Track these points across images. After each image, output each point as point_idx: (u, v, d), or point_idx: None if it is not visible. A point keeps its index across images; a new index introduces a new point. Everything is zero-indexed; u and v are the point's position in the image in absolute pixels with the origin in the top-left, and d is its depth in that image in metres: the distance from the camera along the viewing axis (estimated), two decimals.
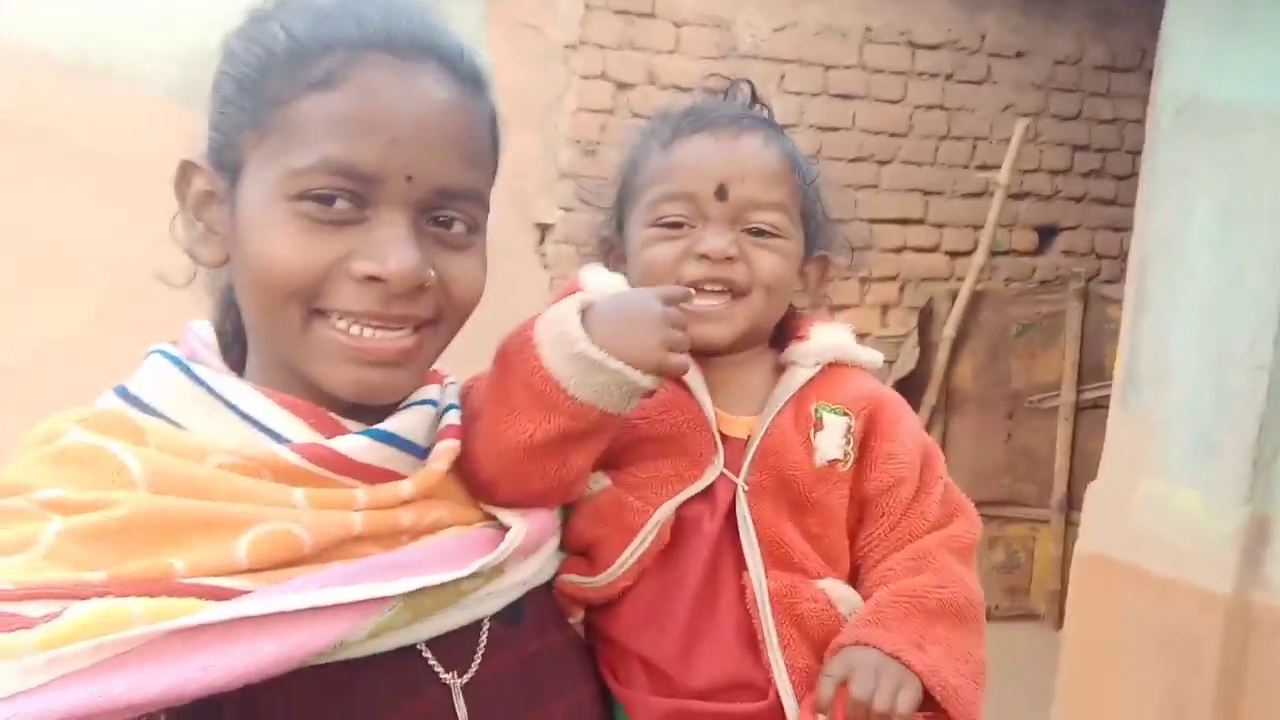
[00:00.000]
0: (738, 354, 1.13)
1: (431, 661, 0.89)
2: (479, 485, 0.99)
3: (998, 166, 4.49)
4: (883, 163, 4.59)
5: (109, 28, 3.13)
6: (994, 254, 4.67)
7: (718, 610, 1.05)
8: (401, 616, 0.83)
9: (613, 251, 1.19)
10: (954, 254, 4.79)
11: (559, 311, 0.96)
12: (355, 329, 0.87)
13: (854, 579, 1.11)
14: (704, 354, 1.08)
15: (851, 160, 4.47)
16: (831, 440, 1.09)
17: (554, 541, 1.05)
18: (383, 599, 0.81)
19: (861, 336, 1.17)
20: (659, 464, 1.08)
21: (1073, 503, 4.29)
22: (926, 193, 4.73)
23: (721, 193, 1.09)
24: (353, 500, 0.86)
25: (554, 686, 1.00)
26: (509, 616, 0.96)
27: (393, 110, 0.86)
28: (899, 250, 4.65)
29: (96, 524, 0.75)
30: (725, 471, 1.07)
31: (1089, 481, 2.88)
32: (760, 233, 1.10)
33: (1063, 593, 3.45)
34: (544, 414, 0.94)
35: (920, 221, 4.72)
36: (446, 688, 0.89)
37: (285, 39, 0.87)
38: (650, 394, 0.97)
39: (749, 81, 1.23)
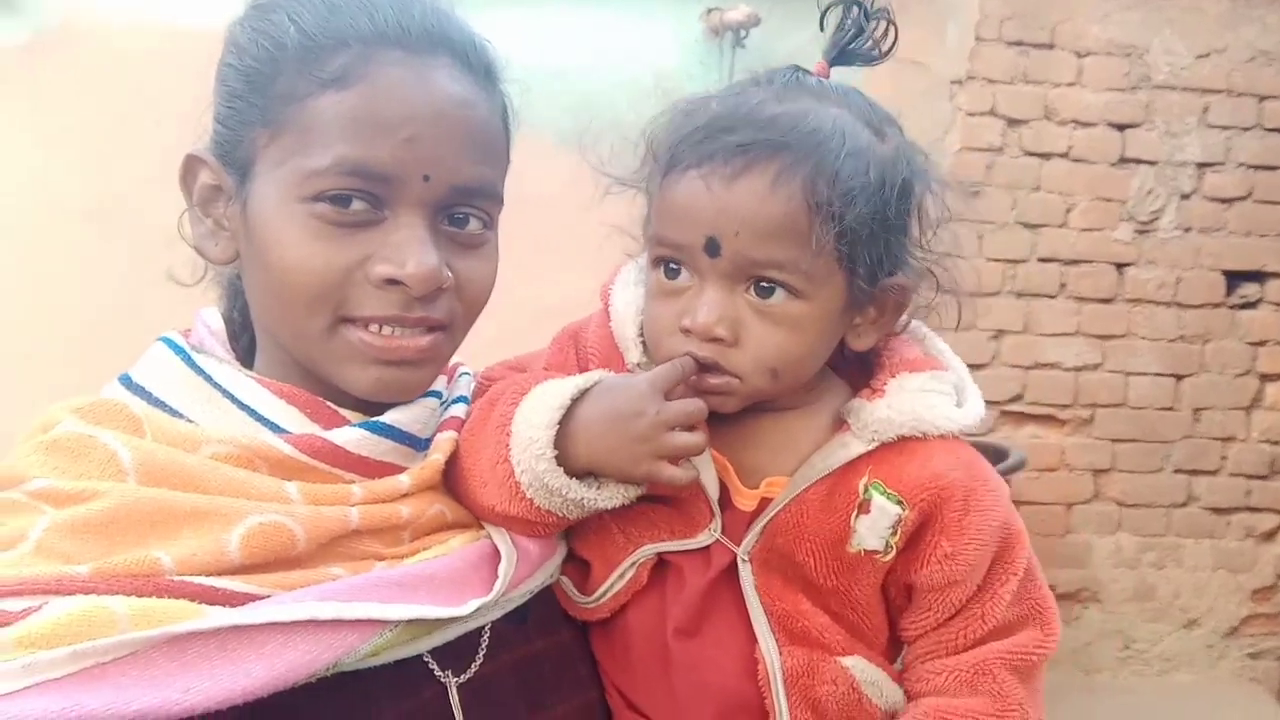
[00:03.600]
0: (785, 402, 0.96)
1: (428, 660, 0.86)
2: (458, 500, 0.95)
3: None
4: None
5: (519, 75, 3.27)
6: None
7: (724, 683, 0.94)
8: (399, 638, 0.81)
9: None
10: None
11: (541, 410, 0.89)
12: (376, 328, 0.86)
13: (895, 646, 0.98)
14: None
15: None
16: (875, 530, 0.91)
17: (560, 552, 1.00)
18: (381, 621, 0.78)
19: None
20: (655, 506, 0.96)
21: None
22: None
23: (712, 248, 0.88)
24: (348, 495, 0.85)
25: (558, 687, 0.97)
26: (513, 615, 0.93)
27: (409, 109, 0.84)
28: None
29: (83, 517, 0.74)
30: (723, 539, 0.95)
31: None
32: (768, 291, 0.89)
33: None
34: (506, 499, 0.90)
35: None
36: (443, 686, 0.87)
37: (295, 33, 0.84)
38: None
39: (871, 14, 0.96)
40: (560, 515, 0.91)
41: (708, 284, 0.90)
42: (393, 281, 0.84)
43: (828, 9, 0.98)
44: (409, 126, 0.83)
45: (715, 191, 0.87)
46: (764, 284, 0.89)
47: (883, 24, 0.98)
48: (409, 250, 0.84)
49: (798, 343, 0.91)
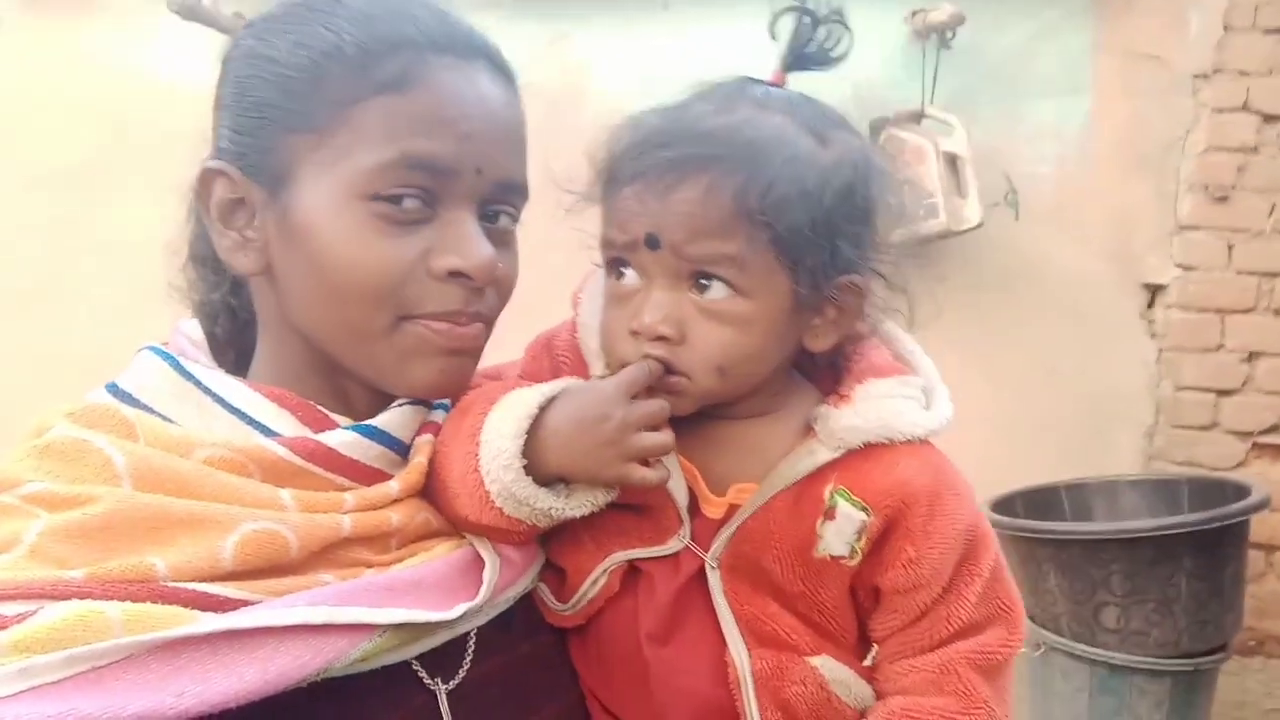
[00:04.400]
0: (750, 408, 0.97)
1: (417, 668, 0.86)
2: (441, 513, 0.95)
3: None
4: None
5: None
6: None
7: (696, 688, 0.95)
8: (389, 642, 0.81)
9: None
10: None
11: (509, 419, 0.91)
12: (441, 325, 0.89)
13: (864, 644, 0.99)
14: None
15: None
16: (840, 536, 0.92)
17: (541, 558, 1.01)
18: (371, 626, 0.79)
19: None
20: (625, 514, 0.96)
21: None
22: None
23: (652, 241, 0.90)
24: (341, 502, 0.86)
25: (544, 689, 0.98)
26: (498, 620, 0.94)
27: (465, 108, 0.88)
28: None
29: (77, 521, 0.74)
30: (691, 546, 0.95)
31: None
32: (708, 286, 0.90)
33: None
34: (475, 509, 0.91)
35: None
36: (432, 694, 0.87)
37: (345, 41, 0.87)
38: None
39: (822, 18, 0.96)
40: (530, 524, 0.91)
41: (654, 284, 0.91)
42: (455, 274, 0.87)
43: (777, 17, 0.98)
44: (465, 123, 0.87)
45: (649, 205, 0.89)
46: (703, 279, 0.90)
47: (835, 28, 0.99)
48: (467, 242, 0.88)
49: (743, 342, 0.91)
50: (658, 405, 0.90)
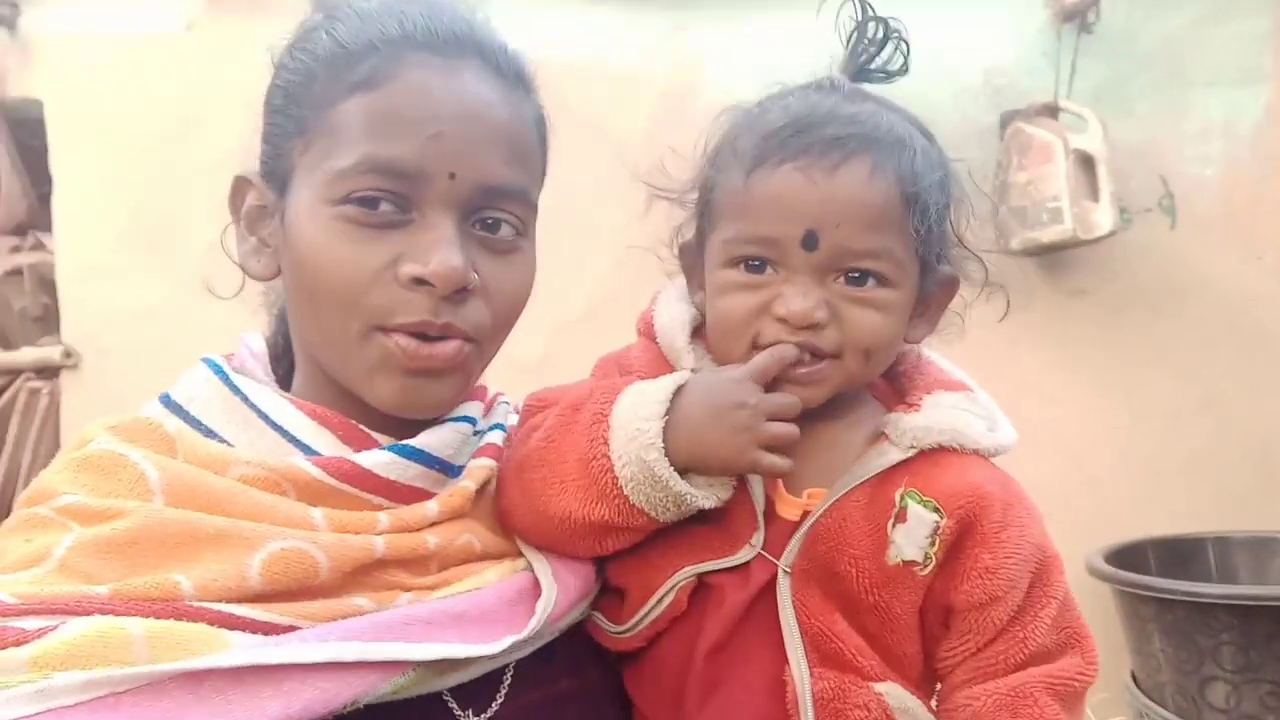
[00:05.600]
0: (826, 411, 0.96)
1: (447, 698, 0.83)
2: (508, 525, 0.95)
3: None
4: None
5: None
6: None
7: (750, 703, 0.92)
8: (423, 675, 0.78)
9: (695, 272, 1.03)
10: None
11: (645, 403, 0.91)
12: (406, 342, 0.85)
13: (929, 680, 0.95)
14: None
15: None
16: (912, 538, 0.90)
17: (595, 589, 0.98)
18: (405, 662, 0.76)
19: None
20: (696, 527, 0.95)
21: None
22: None
23: (810, 241, 0.90)
24: (374, 523, 0.84)
25: None
26: (540, 653, 0.90)
27: (435, 106, 0.84)
28: None
29: (106, 536, 0.74)
30: (764, 553, 0.94)
31: None
32: (860, 280, 0.92)
33: None
34: (591, 499, 0.90)
35: None
36: None
37: (329, 43, 0.86)
38: None
39: (889, 30, 0.97)
40: (651, 516, 0.90)
41: (798, 275, 0.92)
42: (419, 281, 0.84)
43: (851, 35, 0.99)
44: (434, 124, 0.83)
45: (817, 183, 0.89)
46: (854, 274, 0.92)
47: (898, 41, 1.00)
48: (434, 249, 0.84)
49: (889, 326, 0.93)
50: (790, 398, 0.91)
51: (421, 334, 0.86)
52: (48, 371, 3.17)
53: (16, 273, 3.24)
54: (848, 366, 0.93)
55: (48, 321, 3.25)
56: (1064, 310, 2.94)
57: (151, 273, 3.06)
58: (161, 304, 2.99)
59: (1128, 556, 2.61)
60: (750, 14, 3.17)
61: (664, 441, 0.89)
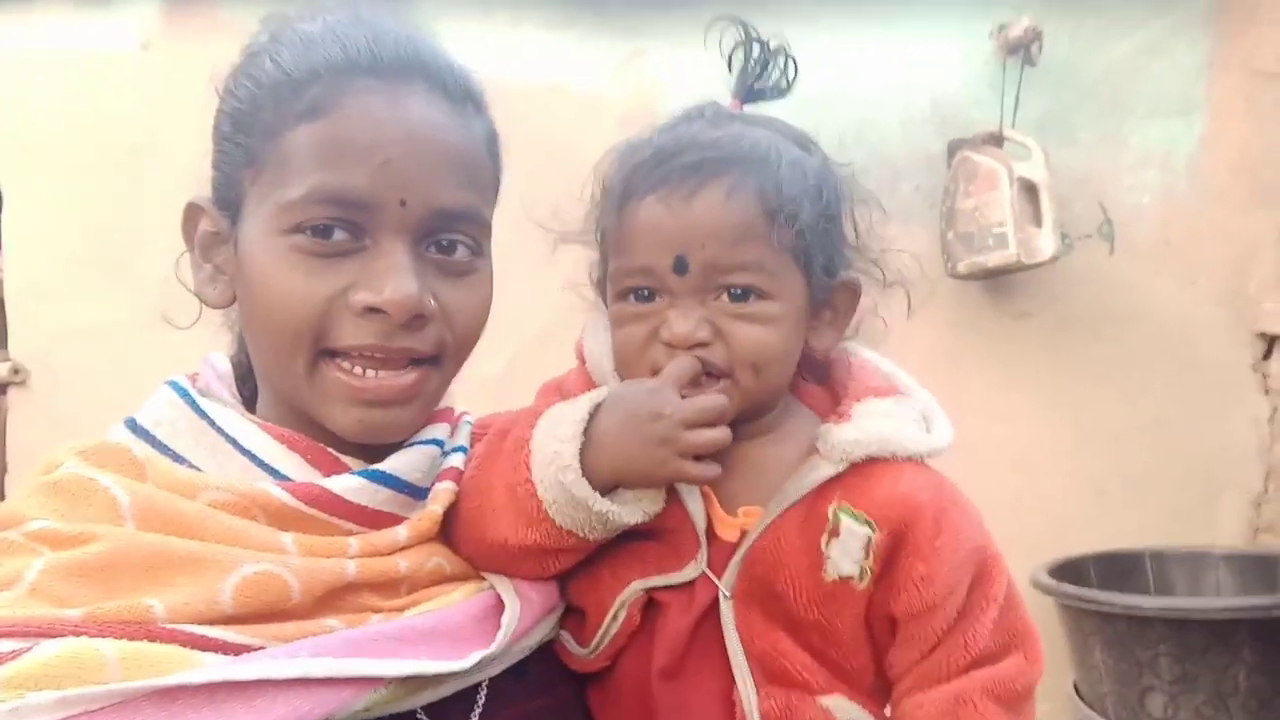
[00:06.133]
0: (757, 428, 0.98)
1: (422, 716, 0.83)
2: (458, 552, 0.94)
3: None
4: None
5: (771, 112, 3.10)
6: None
7: None
8: (395, 693, 0.78)
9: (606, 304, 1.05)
10: None
11: (561, 424, 0.90)
12: (359, 370, 0.86)
13: (883, 690, 0.96)
14: None
15: None
16: (846, 553, 0.91)
17: (561, 605, 0.99)
18: (378, 678, 0.76)
19: None
20: (642, 543, 0.96)
21: None
22: None
23: (680, 265, 0.92)
24: (345, 547, 0.84)
25: None
26: (512, 671, 0.91)
27: (381, 133, 0.83)
28: None
29: (78, 560, 0.74)
30: (707, 572, 0.94)
31: None
32: (742, 297, 0.94)
33: None
34: (521, 525, 0.90)
35: None
36: None
37: (274, 70, 0.85)
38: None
39: (770, 52, 1.01)
40: (580, 536, 0.90)
41: (680, 299, 0.94)
42: (373, 310, 0.83)
43: (732, 51, 1.02)
44: (381, 151, 0.83)
45: (676, 210, 0.92)
46: (735, 290, 0.93)
47: (783, 59, 1.02)
48: (387, 277, 0.83)
49: (774, 338, 0.94)
50: (713, 400, 0.90)
51: (372, 356, 0.86)
52: None
53: None
54: (741, 383, 0.94)
55: None
56: (1009, 332, 3.01)
57: (102, 291, 3.03)
58: (112, 323, 2.97)
59: (1070, 571, 2.68)
60: (713, 39, 3.22)
61: (582, 461, 0.89)
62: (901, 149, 3.04)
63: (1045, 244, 2.75)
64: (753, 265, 0.92)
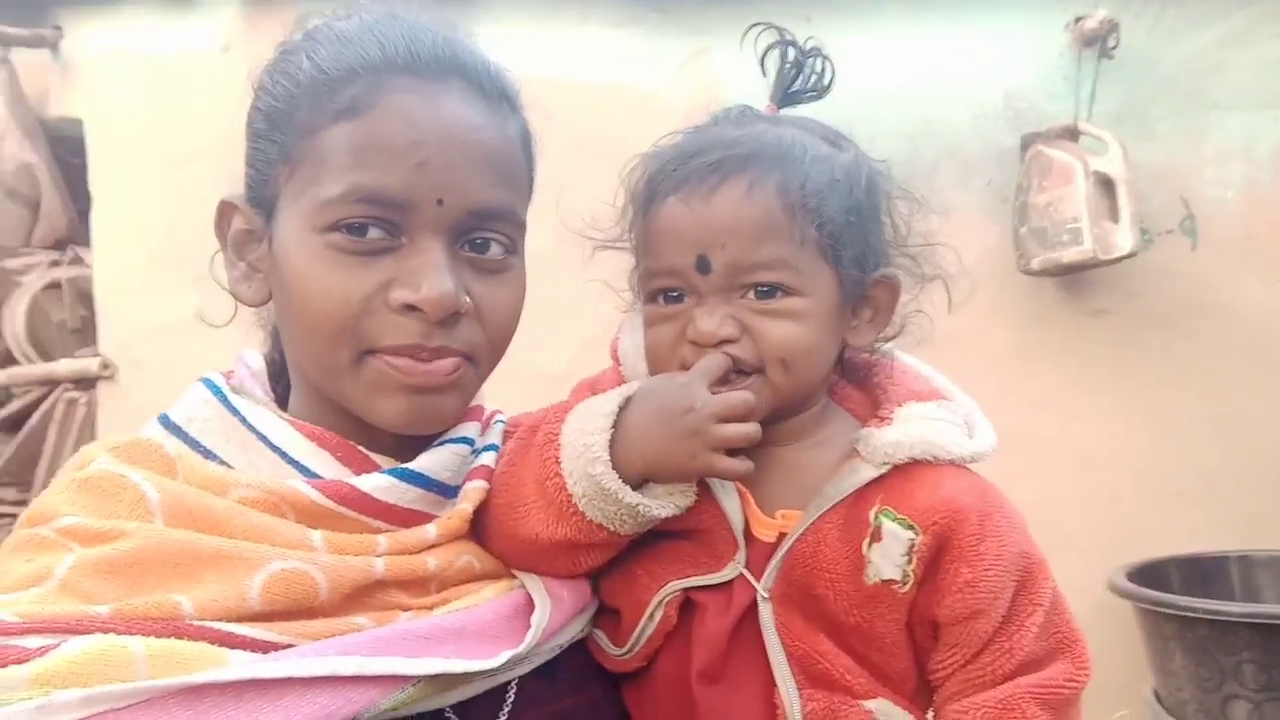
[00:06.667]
0: (796, 429, 0.98)
1: (450, 715, 0.83)
2: (489, 550, 0.94)
3: None
4: None
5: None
6: None
7: None
8: (423, 692, 0.78)
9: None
10: None
11: (591, 417, 0.90)
12: (401, 361, 0.85)
13: (925, 694, 0.94)
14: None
15: None
16: (888, 557, 0.89)
17: (593, 604, 0.98)
18: (405, 677, 0.75)
19: None
20: (679, 543, 0.96)
21: None
22: None
23: (703, 265, 0.93)
24: (374, 545, 0.84)
25: None
26: (541, 670, 0.90)
27: (420, 133, 0.83)
28: None
29: (107, 556, 0.74)
30: (745, 573, 0.94)
31: None
32: (769, 293, 0.93)
33: None
34: (552, 519, 0.90)
35: None
36: None
37: (310, 68, 0.85)
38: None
39: (804, 54, 1.01)
40: (611, 530, 0.89)
41: (706, 298, 0.94)
42: (410, 307, 0.84)
43: (766, 52, 1.02)
44: (419, 151, 0.83)
45: (695, 209, 0.92)
46: (761, 288, 0.93)
47: (819, 61, 1.02)
48: (424, 275, 0.83)
49: (803, 334, 0.93)
50: (740, 396, 0.90)
51: (413, 356, 0.86)
52: (85, 382, 3.24)
53: (55, 286, 3.31)
54: (772, 379, 0.93)
55: (85, 334, 3.32)
56: (1084, 329, 2.95)
57: (185, 287, 3.11)
58: (197, 318, 3.04)
59: (1150, 575, 2.62)
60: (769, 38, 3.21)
61: (612, 454, 0.89)
62: (973, 144, 2.99)
63: (1122, 239, 2.69)
64: (776, 262, 0.92)
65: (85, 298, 3.29)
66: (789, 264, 0.92)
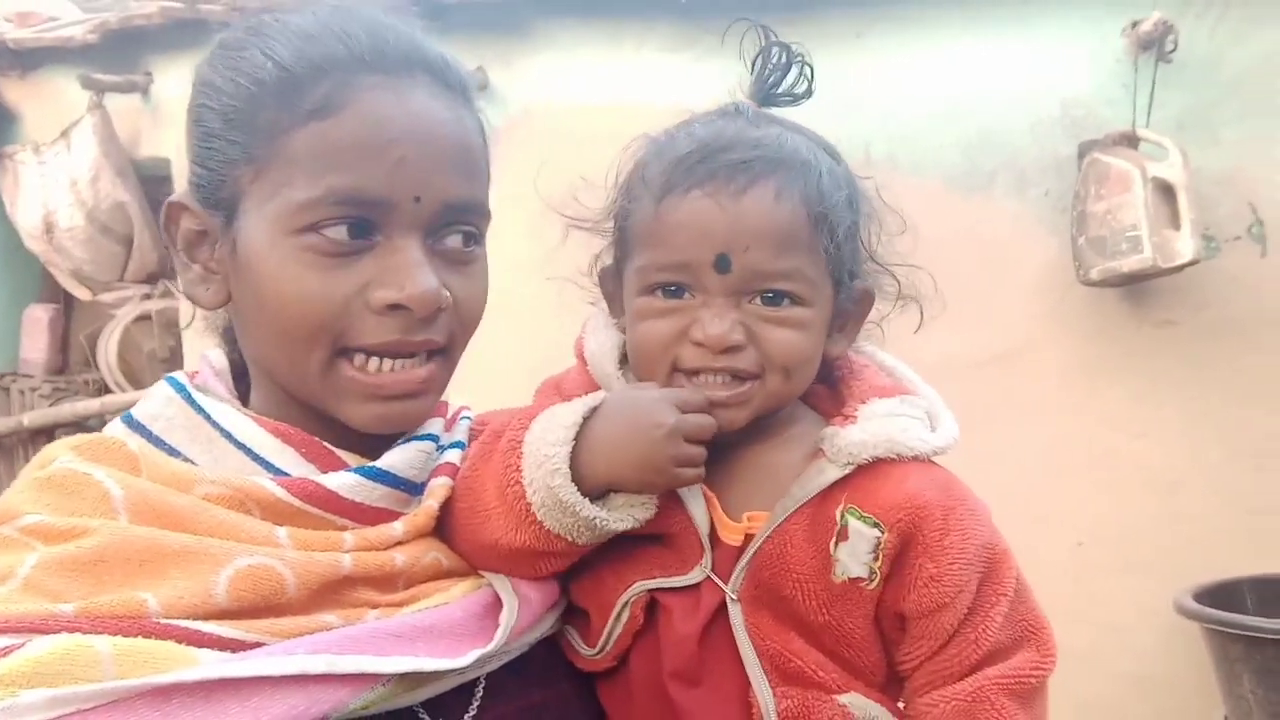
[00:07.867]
0: (764, 428, 0.98)
1: (418, 709, 0.82)
2: (454, 550, 0.94)
3: None
4: None
5: (896, 122, 3.07)
6: None
7: None
8: (393, 690, 0.77)
9: (615, 299, 1.04)
10: None
11: (554, 428, 0.90)
12: (374, 364, 0.86)
13: (896, 682, 0.95)
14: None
15: None
16: (855, 555, 0.90)
17: (562, 602, 0.99)
18: (375, 675, 0.75)
19: None
20: (646, 546, 0.96)
21: None
22: None
23: (723, 264, 0.91)
24: (340, 542, 0.83)
25: None
26: (511, 665, 0.90)
27: (395, 131, 0.83)
28: None
29: (71, 554, 0.73)
30: (712, 576, 0.94)
31: None
32: (775, 300, 0.93)
33: None
34: (512, 527, 0.89)
35: None
36: None
37: (272, 67, 0.83)
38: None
39: (792, 56, 0.98)
40: (569, 540, 0.90)
41: (714, 298, 0.93)
42: (395, 306, 0.84)
43: (757, 57, 1.01)
44: (397, 149, 0.83)
45: (724, 207, 0.91)
46: (769, 294, 0.93)
47: (801, 65, 1.01)
48: (407, 274, 0.83)
49: (807, 343, 0.95)
50: (707, 420, 0.91)
51: (393, 353, 0.86)
52: None
53: (146, 318, 3.52)
54: (769, 386, 0.94)
55: (173, 363, 3.50)
56: (1150, 341, 2.87)
57: None
58: None
59: (1223, 595, 2.52)
60: (830, 51, 3.22)
61: (572, 466, 0.88)
62: (1030, 153, 2.95)
63: (1184, 247, 2.62)
64: (794, 272, 0.92)
65: (173, 329, 3.47)
66: (804, 274, 0.93)
